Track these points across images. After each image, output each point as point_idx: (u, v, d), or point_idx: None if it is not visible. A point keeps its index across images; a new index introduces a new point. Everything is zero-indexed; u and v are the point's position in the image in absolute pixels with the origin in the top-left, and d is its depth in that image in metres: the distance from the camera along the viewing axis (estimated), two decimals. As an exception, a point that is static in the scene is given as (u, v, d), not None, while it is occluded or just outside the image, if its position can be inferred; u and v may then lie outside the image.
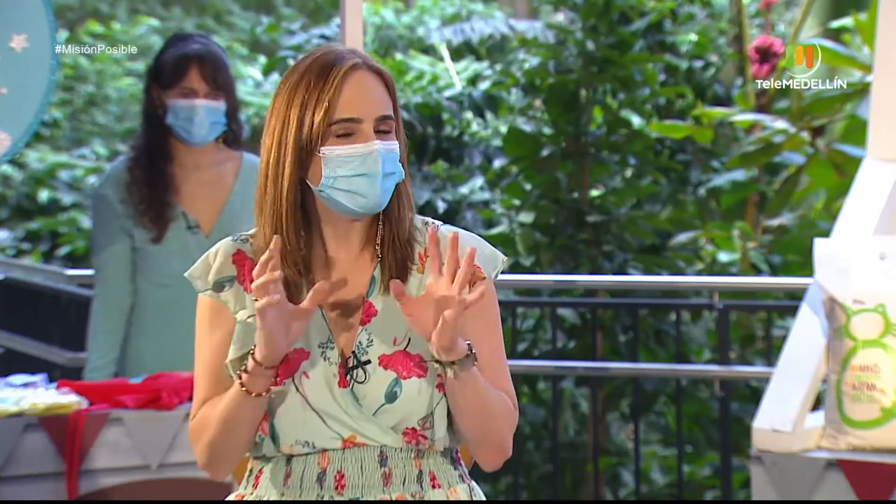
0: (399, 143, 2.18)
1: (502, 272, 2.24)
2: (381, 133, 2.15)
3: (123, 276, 3.91)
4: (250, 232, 2.23)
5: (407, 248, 2.19)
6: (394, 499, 2.14)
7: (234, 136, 4.00)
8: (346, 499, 2.13)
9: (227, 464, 2.21)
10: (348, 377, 2.14)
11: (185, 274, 2.22)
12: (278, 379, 2.11)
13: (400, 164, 2.18)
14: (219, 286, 2.19)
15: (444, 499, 2.17)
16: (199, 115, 3.85)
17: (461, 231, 2.22)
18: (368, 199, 2.13)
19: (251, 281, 2.09)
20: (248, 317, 2.16)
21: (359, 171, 2.12)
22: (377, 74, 2.18)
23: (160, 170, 3.90)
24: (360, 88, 2.14)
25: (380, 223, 2.20)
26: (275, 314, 2.05)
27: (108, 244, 3.91)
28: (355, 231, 2.19)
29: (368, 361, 2.13)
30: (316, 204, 2.18)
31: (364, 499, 2.13)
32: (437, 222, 2.25)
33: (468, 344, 2.08)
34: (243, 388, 2.09)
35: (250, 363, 2.09)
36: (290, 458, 2.17)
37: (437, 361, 2.10)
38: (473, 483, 2.25)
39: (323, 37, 9.16)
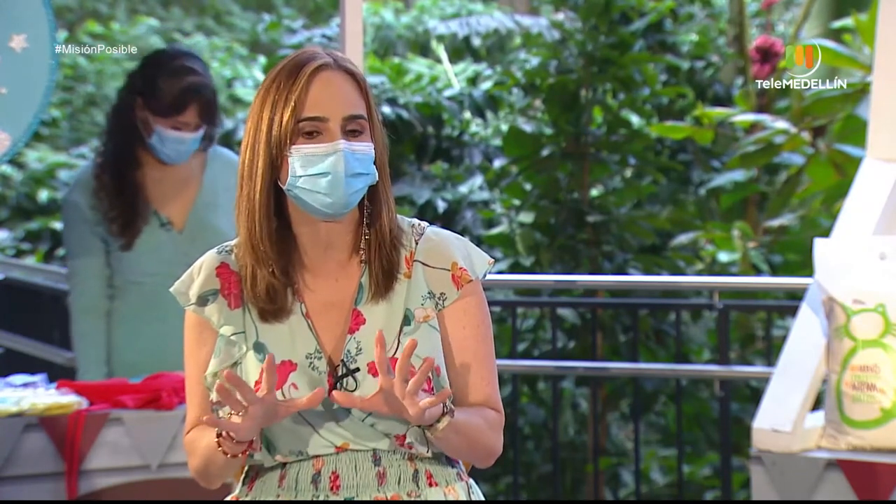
0: (375, 144, 2.15)
1: (498, 272, 2.23)
2: (350, 133, 2.12)
3: (98, 281, 3.94)
4: (234, 242, 2.22)
5: (393, 253, 2.17)
6: (389, 498, 2.14)
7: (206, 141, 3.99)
8: (342, 498, 2.13)
9: (217, 482, 2.23)
10: (338, 386, 2.12)
11: (171, 289, 2.22)
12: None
13: (374, 166, 2.14)
14: (202, 300, 2.18)
15: (441, 497, 2.17)
16: (186, 144, 3.87)
17: (447, 233, 2.22)
18: (333, 199, 2.10)
19: (235, 295, 2.14)
20: (232, 334, 2.16)
21: (322, 171, 2.10)
22: (348, 74, 2.15)
23: (129, 177, 3.89)
24: (326, 87, 2.12)
25: (364, 228, 2.18)
26: (261, 410, 2.04)
27: (82, 252, 3.94)
28: (338, 236, 2.17)
29: (358, 369, 2.13)
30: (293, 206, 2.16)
31: (359, 498, 2.13)
32: (424, 223, 2.24)
33: (443, 404, 2.06)
34: (220, 449, 2.10)
35: (225, 434, 2.07)
36: (284, 462, 2.17)
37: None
38: (472, 481, 2.25)
39: (325, 37, 9.14)
